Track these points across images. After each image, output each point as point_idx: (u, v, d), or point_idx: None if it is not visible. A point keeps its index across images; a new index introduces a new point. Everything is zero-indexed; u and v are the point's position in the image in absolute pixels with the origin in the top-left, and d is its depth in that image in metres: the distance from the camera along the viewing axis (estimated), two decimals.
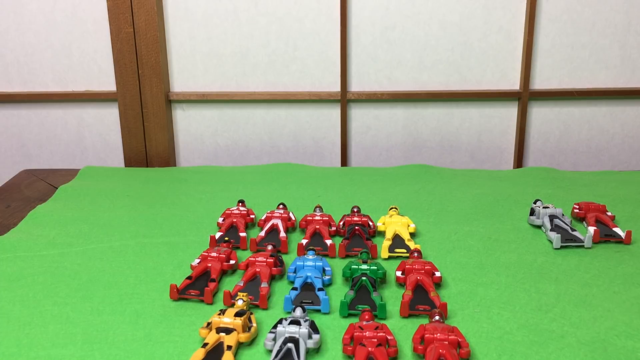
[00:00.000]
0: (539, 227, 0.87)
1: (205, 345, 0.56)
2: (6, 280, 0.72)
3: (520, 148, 1.27)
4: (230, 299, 0.65)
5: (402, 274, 0.71)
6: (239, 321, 0.58)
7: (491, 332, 0.61)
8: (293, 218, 0.88)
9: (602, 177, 1.10)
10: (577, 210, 0.90)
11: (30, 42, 1.26)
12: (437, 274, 0.70)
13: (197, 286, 0.69)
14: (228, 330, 0.58)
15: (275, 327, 0.58)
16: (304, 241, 0.80)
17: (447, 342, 0.55)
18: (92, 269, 0.75)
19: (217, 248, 0.76)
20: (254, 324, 0.60)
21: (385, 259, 0.78)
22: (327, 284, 0.71)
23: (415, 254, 0.74)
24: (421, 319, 0.63)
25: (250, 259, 0.73)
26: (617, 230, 0.83)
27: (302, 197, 1.00)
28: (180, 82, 1.27)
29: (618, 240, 0.82)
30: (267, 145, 1.30)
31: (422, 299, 0.66)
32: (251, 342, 0.60)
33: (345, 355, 0.58)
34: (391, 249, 0.79)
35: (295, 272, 0.72)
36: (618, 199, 0.97)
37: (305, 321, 0.58)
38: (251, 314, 0.62)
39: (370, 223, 0.85)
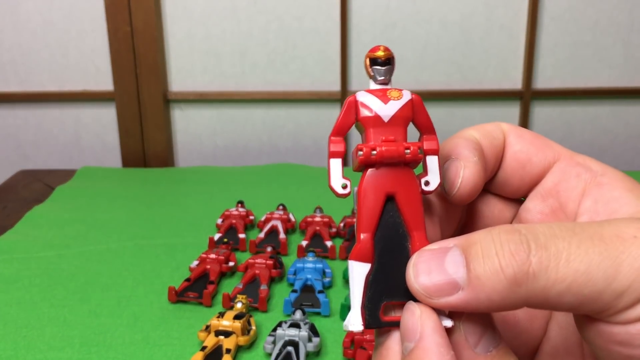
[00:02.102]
0: None
1: (204, 348, 0.55)
2: (3, 282, 0.71)
3: None
4: (229, 302, 0.65)
5: None
6: (238, 324, 0.58)
7: None
8: (293, 219, 0.87)
9: None
10: None
11: (27, 42, 1.25)
12: None
13: (196, 288, 0.68)
14: (227, 333, 0.57)
15: (274, 330, 0.57)
16: (304, 243, 0.79)
17: None
18: (90, 270, 0.75)
19: (215, 250, 0.75)
20: (253, 327, 0.59)
21: None
22: (327, 287, 0.70)
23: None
24: None
25: (249, 260, 0.72)
26: None
27: (302, 198, 0.99)
28: (179, 81, 1.27)
29: None
30: (267, 145, 1.29)
31: None
32: (250, 345, 0.59)
33: (345, 359, 0.57)
34: None
35: (295, 274, 0.71)
36: None
37: (305, 324, 0.58)
38: (250, 316, 0.61)
39: None
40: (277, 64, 1.24)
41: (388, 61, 0.27)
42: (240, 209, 0.88)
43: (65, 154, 1.32)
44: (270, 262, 0.72)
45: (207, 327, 0.59)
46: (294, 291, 0.67)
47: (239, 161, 1.30)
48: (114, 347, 0.59)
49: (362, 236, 0.25)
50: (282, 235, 0.82)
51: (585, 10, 1.19)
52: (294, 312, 0.60)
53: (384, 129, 0.26)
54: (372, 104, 0.27)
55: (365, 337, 0.56)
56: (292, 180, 1.09)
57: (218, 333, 0.57)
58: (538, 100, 1.24)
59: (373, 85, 0.28)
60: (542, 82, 1.23)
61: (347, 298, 0.65)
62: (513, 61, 1.22)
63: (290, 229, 0.86)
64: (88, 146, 1.31)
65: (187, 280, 0.69)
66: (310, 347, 0.56)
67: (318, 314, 0.64)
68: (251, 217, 0.88)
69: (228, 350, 0.56)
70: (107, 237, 0.84)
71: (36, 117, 1.30)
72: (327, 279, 0.70)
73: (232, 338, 0.57)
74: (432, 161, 0.27)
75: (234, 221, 0.85)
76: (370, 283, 0.24)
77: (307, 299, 0.66)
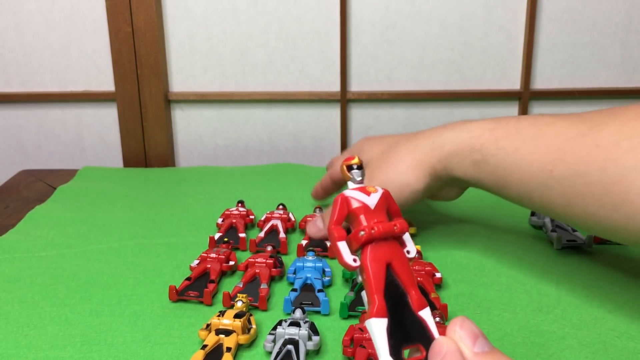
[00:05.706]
0: (540, 227, 0.87)
1: (204, 347, 0.56)
2: (4, 282, 0.72)
3: None
4: (229, 301, 0.65)
5: None
6: (238, 323, 0.58)
7: (492, 333, 0.60)
8: (293, 219, 0.87)
9: None
10: None
11: (29, 42, 1.25)
12: (438, 275, 0.70)
13: (196, 287, 0.68)
14: (227, 332, 0.58)
15: (274, 328, 0.58)
16: (304, 242, 0.80)
17: None
18: (91, 270, 0.75)
19: (216, 249, 0.75)
20: (254, 326, 0.60)
21: None
22: (327, 285, 0.70)
23: (416, 255, 0.74)
24: None
25: (249, 260, 0.73)
26: None
27: (302, 197, 1.00)
28: (179, 82, 1.27)
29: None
30: (267, 145, 1.30)
31: None
32: (251, 344, 0.59)
33: (345, 357, 0.57)
34: None
35: (294, 273, 0.71)
36: None
37: (305, 323, 0.58)
38: (251, 315, 0.61)
39: None
40: (277, 65, 1.25)
41: (360, 166, 0.36)
42: (241, 209, 0.89)
43: (67, 154, 1.32)
44: (270, 261, 0.72)
45: (208, 325, 0.59)
46: (293, 290, 0.67)
47: (239, 161, 1.30)
48: (115, 345, 0.59)
49: (375, 297, 0.32)
50: (282, 235, 0.82)
51: (584, 11, 1.20)
52: (294, 311, 0.60)
53: (372, 214, 0.35)
54: (360, 198, 0.35)
55: (365, 335, 0.56)
56: (292, 180, 1.09)
57: (218, 332, 0.58)
58: (537, 100, 1.25)
59: (353, 185, 0.36)
60: (540, 82, 1.24)
61: (347, 297, 0.65)
62: (512, 62, 1.23)
63: (290, 228, 0.86)
64: (89, 146, 1.32)
65: (188, 279, 0.69)
66: (310, 345, 0.56)
67: (318, 312, 0.65)
68: (251, 217, 0.88)
69: (228, 349, 0.56)
70: (108, 237, 0.85)
71: (38, 117, 1.30)
72: (327, 278, 0.70)
73: (233, 337, 0.57)
74: (407, 236, 0.36)
75: (234, 221, 0.85)
76: (391, 333, 0.31)
77: (307, 297, 0.66)
